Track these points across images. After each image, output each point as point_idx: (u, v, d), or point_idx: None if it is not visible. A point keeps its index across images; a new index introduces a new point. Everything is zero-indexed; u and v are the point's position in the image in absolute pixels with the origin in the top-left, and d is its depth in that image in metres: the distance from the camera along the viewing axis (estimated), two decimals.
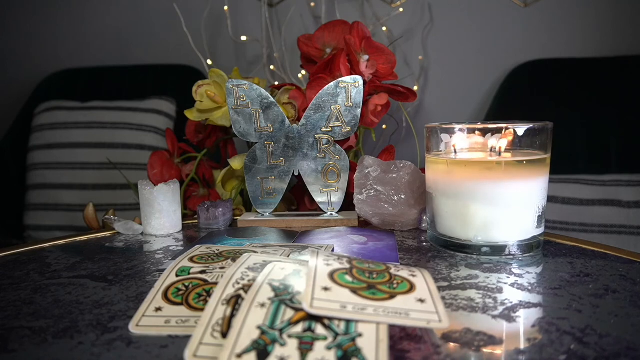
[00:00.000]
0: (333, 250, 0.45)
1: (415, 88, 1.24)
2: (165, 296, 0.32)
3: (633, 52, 1.14)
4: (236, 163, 0.64)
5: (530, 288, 0.36)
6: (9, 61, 1.49)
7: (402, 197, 0.53)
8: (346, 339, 0.25)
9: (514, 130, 0.42)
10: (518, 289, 0.36)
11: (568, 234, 0.93)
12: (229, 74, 0.68)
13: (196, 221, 0.61)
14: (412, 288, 0.29)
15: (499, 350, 0.27)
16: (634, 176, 0.96)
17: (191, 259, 0.37)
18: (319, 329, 0.25)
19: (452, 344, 0.28)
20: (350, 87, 0.55)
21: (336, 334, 0.25)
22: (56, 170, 1.19)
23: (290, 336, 0.25)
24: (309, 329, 0.25)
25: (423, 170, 0.53)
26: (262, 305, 0.27)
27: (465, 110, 1.27)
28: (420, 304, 0.28)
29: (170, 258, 0.46)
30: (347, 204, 0.59)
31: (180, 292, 0.33)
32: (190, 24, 1.17)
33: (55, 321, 0.32)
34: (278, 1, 1.27)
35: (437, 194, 0.46)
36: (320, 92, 0.55)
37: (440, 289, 0.36)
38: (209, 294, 0.32)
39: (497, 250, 0.43)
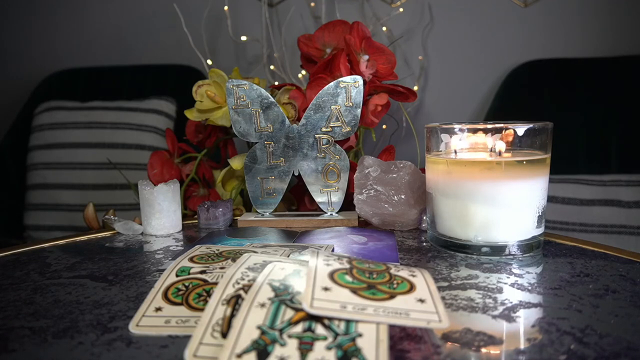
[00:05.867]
0: (333, 250, 0.45)
1: (415, 88, 1.24)
2: (165, 296, 0.32)
3: (633, 52, 1.14)
4: (236, 163, 0.64)
5: (530, 288, 0.36)
6: (9, 61, 1.49)
7: (402, 197, 0.53)
8: (346, 339, 0.25)
9: (514, 131, 0.42)
10: (518, 289, 0.36)
11: (568, 234, 0.93)
12: (229, 74, 0.68)
13: (196, 221, 0.61)
14: (412, 288, 0.29)
15: (498, 350, 0.27)
16: (634, 176, 0.96)
17: (191, 259, 0.37)
18: (319, 329, 0.25)
19: (452, 344, 0.28)
20: (350, 87, 0.55)
21: (336, 334, 0.25)
22: (56, 170, 1.18)
23: (290, 336, 0.25)
24: (309, 329, 0.25)
25: (423, 170, 0.53)
26: (262, 305, 0.27)
27: (465, 110, 1.27)
28: (420, 304, 0.28)
29: (170, 258, 0.46)
30: (347, 204, 0.59)
31: (180, 292, 0.33)
32: (190, 24, 1.17)
33: (55, 321, 0.32)
34: (278, 1, 1.27)
35: (437, 194, 0.46)
36: (320, 92, 0.55)
37: (440, 289, 0.36)
38: (209, 294, 0.32)
39: (497, 250, 0.43)
